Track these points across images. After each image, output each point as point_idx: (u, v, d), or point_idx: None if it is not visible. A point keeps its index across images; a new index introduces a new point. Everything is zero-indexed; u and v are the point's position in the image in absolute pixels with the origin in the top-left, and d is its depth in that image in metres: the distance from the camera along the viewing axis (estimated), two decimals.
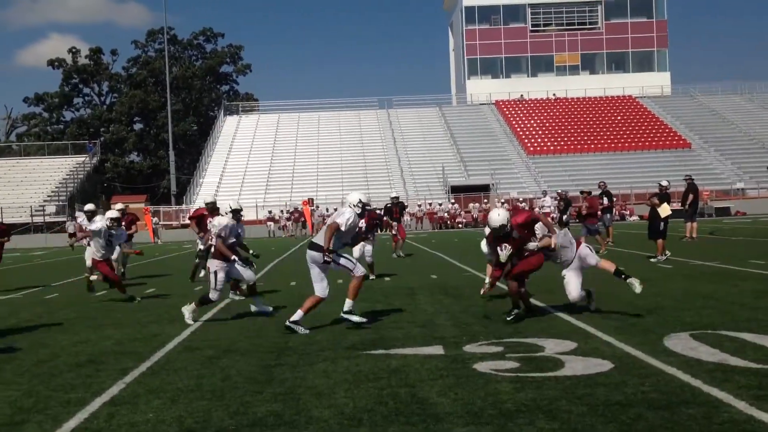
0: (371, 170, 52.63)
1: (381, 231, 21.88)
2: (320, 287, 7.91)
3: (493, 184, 47.64)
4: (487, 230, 9.15)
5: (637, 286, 7.74)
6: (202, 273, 12.99)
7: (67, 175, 54.81)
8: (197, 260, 13.49)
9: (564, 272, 8.11)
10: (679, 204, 21.09)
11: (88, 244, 13.51)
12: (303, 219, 42.52)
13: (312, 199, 44.57)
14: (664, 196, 15.27)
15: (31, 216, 46.52)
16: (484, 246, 9.50)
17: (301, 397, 5.13)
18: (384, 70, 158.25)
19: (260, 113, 67.28)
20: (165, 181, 69.03)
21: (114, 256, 14.39)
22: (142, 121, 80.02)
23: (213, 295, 8.89)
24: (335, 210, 43.66)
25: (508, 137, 57.51)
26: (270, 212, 43.93)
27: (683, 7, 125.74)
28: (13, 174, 55.10)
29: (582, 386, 5.09)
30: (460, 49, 73.00)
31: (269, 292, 11.50)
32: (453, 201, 45.48)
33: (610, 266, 8.12)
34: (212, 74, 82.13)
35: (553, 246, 7.88)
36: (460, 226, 42.39)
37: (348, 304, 7.97)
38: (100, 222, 11.48)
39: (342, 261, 7.94)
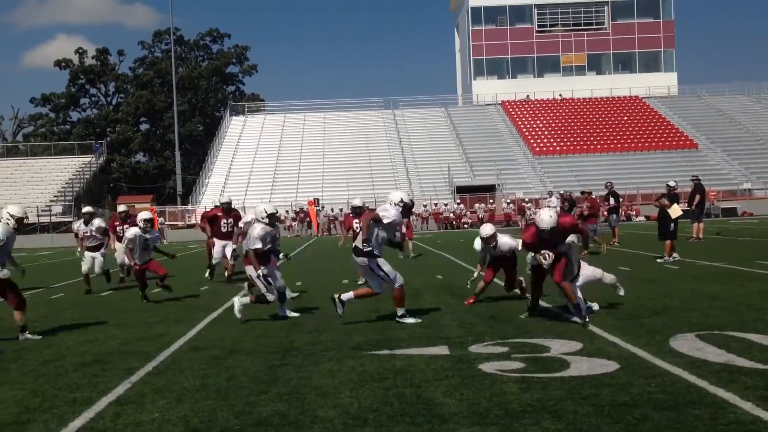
0: (377, 171, 52.61)
1: None
2: (395, 278, 8.07)
3: (498, 185, 47.55)
4: (485, 229, 9.14)
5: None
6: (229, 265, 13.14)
7: (74, 175, 54.93)
8: (233, 261, 13.43)
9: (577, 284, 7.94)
10: (686, 204, 21.04)
11: (82, 254, 13.35)
12: (308, 219, 42.54)
13: (317, 200, 44.60)
14: (673, 196, 15.26)
15: (38, 216, 46.62)
16: (477, 244, 9.41)
17: (306, 397, 5.13)
18: (390, 70, 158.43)
19: (266, 114, 67.28)
20: (171, 182, 69.11)
21: (119, 261, 14.40)
22: (149, 121, 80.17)
23: (270, 297, 8.75)
24: (341, 210, 43.39)
25: (514, 138, 57.42)
26: (276, 212, 43.89)
27: (690, 7, 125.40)
28: (20, 174, 55.27)
29: (588, 387, 5.08)
30: (466, 50, 72.91)
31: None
32: (458, 201, 45.42)
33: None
34: (218, 75, 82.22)
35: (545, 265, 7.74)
36: (465, 226, 42.33)
37: (399, 311, 8.19)
38: (132, 229, 11.39)
39: (385, 269, 8.07)
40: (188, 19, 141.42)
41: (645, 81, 65.98)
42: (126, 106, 77.58)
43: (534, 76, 69.82)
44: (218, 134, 61.89)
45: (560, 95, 63.97)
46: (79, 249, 13.83)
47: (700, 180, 20.61)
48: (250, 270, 8.86)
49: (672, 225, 14.67)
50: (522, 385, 5.19)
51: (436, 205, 44.44)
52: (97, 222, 13.55)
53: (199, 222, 20.51)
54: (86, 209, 13.79)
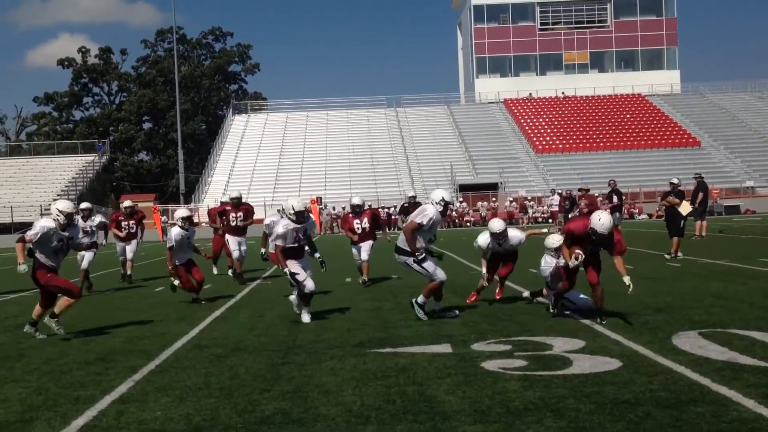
0: (379, 169, 52.63)
1: (390, 229, 21.85)
2: (434, 273, 8.05)
3: (501, 183, 47.55)
4: (496, 225, 8.93)
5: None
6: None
7: (77, 174, 55.00)
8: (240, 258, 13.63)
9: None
10: (689, 202, 21.00)
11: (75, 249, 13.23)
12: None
13: (320, 198, 44.61)
14: (679, 193, 15.29)
15: (41, 215, 46.63)
16: (483, 240, 9.17)
17: (308, 395, 5.14)
18: (392, 68, 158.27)
19: (269, 112, 67.30)
20: (174, 180, 69.19)
21: (129, 256, 14.43)
22: (151, 120, 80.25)
23: (292, 297, 8.52)
24: (343, 209, 43.30)
25: (517, 136, 57.39)
26: (278, 211, 43.91)
27: (693, 4, 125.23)
28: (23, 173, 55.34)
29: (590, 385, 5.08)
30: (468, 48, 72.86)
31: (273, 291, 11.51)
32: (461, 199, 45.42)
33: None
34: (221, 73, 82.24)
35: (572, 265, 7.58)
36: (468, 224, 42.34)
37: (421, 298, 8.17)
38: (174, 229, 10.67)
39: (425, 264, 8.06)
40: (191, 18, 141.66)
41: (648, 79, 65.87)
42: (129, 104, 77.65)
43: (536, 74, 69.78)
44: (221, 133, 61.93)
45: (563, 93, 63.92)
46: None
47: (703, 178, 20.57)
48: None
49: (682, 222, 14.71)
50: (524, 383, 5.20)
51: None
52: (98, 218, 13.55)
53: (203, 220, 20.61)
54: (84, 205, 13.70)
